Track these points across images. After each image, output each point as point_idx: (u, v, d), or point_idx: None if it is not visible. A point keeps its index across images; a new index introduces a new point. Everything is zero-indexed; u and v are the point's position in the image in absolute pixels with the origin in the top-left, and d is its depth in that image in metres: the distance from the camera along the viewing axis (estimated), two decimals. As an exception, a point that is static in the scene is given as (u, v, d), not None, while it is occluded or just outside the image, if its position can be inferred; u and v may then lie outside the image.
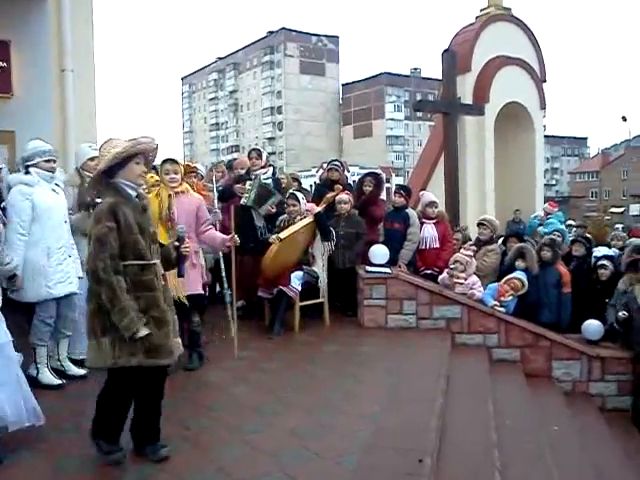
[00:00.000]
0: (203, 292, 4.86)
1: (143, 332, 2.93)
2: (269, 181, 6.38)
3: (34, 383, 4.05)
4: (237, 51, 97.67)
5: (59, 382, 4.16)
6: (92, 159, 4.52)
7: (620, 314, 5.85)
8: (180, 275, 3.52)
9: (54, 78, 7.91)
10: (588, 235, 9.71)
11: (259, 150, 6.65)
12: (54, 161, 4.29)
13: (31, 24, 7.29)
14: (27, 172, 4.15)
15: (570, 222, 12.41)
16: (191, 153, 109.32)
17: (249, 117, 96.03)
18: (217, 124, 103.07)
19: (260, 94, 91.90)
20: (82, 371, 4.30)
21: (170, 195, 4.60)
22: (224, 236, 4.78)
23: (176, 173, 4.71)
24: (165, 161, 4.65)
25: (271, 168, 6.67)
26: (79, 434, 3.38)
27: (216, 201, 6.08)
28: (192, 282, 4.56)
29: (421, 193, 7.73)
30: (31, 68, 7.32)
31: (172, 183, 4.64)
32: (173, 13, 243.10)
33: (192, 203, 4.73)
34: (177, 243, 3.36)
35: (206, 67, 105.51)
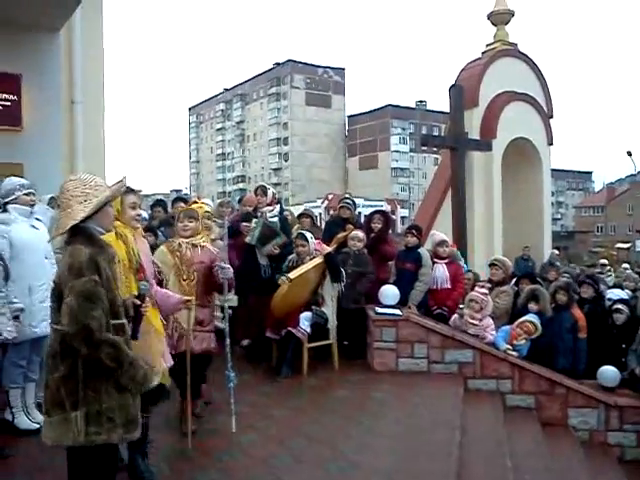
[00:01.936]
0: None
1: (156, 380, 2.74)
2: (275, 219, 6.29)
3: (10, 428, 3.97)
4: (244, 82, 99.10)
5: (37, 426, 3.87)
6: (28, 194, 4.21)
7: None
8: (134, 338, 2.92)
9: (63, 110, 7.94)
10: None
11: (264, 187, 6.56)
12: (33, 194, 4.21)
13: (42, 57, 7.34)
14: (4, 210, 4.04)
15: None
16: (197, 182, 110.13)
17: (255, 148, 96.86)
18: (224, 154, 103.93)
19: (267, 125, 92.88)
20: None
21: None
22: (179, 297, 3.72)
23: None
24: (130, 191, 3.62)
25: (278, 206, 6.60)
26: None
27: (226, 239, 6.01)
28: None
29: (432, 233, 7.64)
30: (41, 101, 7.35)
31: (135, 223, 3.72)
32: (182, 44, 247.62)
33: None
34: (137, 301, 2.96)
35: (213, 98, 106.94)
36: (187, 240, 4.20)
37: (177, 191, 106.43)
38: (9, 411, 4.04)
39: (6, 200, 4.09)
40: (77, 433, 2.50)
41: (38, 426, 3.82)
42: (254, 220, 6.20)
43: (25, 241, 3.99)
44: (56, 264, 3.99)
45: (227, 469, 3.59)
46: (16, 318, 3.79)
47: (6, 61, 6.94)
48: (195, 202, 5.36)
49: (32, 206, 4.19)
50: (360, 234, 6.51)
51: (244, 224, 6.27)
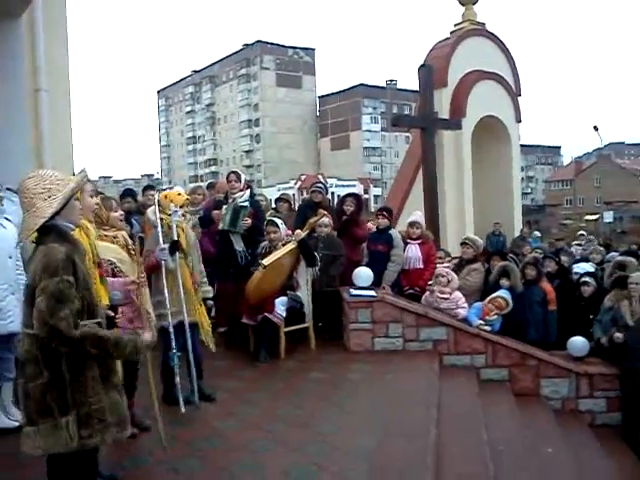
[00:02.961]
0: None
1: (147, 338, 2.72)
2: (246, 204, 6.28)
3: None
4: (213, 64, 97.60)
5: (16, 424, 3.80)
6: None
7: (617, 335, 5.83)
8: None
9: (28, 99, 7.75)
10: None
11: (238, 173, 6.50)
12: None
13: (3, 45, 7.13)
14: None
15: None
16: (169, 166, 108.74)
17: (226, 130, 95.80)
18: (194, 137, 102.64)
19: (237, 107, 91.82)
20: None
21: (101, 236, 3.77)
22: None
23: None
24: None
25: (248, 190, 6.57)
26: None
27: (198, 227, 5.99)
28: None
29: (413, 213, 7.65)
30: (4, 91, 7.14)
31: (121, 223, 3.97)
32: (148, 26, 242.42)
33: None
34: (110, 312, 2.94)
35: (182, 80, 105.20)
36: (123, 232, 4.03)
37: (149, 176, 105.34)
38: (-16, 411, 4.00)
39: None
40: (70, 439, 2.44)
41: (17, 424, 3.76)
42: (224, 207, 6.17)
43: None
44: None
45: (207, 457, 3.62)
46: None
47: (-37, 50, 6.74)
48: (170, 189, 5.31)
49: None
50: (326, 220, 6.52)
51: (216, 212, 6.24)
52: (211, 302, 4.90)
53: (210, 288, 4.99)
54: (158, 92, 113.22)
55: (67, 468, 2.57)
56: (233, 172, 6.52)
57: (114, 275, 3.64)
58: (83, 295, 2.51)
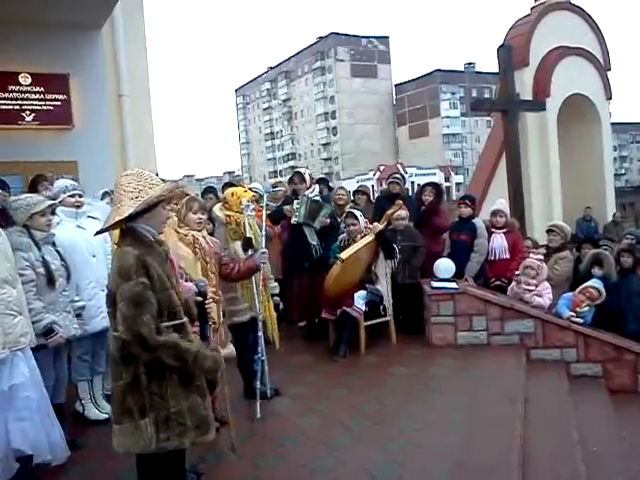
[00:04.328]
0: None
1: (223, 365, 2.69)
2: (318, 198, 6.26)
3: (81, 419, 4.18)
4: (288, 59, 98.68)
5: (105, 416, 4.07)
6: (72, 195, 4.30)
7: None
8: (205, 337, 3.02)
9: (112, 105, 8.15)
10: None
11: (300, 173, 6.41)
12: (80, 195, 4.31)
13: (87, 55, 7.53)
14: (53, 212, 4.07)
15: None
16: (249, 163, 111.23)
17: (303, 124, 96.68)
18: (272, 133, 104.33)
19: (313, 100, 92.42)
20: None
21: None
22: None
23: (204, 213, 4.01)
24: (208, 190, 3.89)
25: (317, 186, 6.55)
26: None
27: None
28: None
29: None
30: (89, 97, 7.55)
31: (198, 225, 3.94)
32: (224, 26, 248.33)
33: (218, 248, 4.10)
34: (199, 298, 2.95)
35: (258, 77, 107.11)
36: (199, 232, 3.97)
37: (230, 173, 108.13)
38: (79, 403, 4.24)
39: (56, 202, 4.20)
40: (148, 441, 2.48)
41: (107, 416, 3.99)
42: (295, 201, 6.17)
43: (70, 242, 4.07)
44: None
45: (287, 453, 3.63)
46: (78, 316, 3.94)
47: (54, 62, 7.16)
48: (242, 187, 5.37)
49: (78, 207, 4.27)
50: (403, 213, 6.38)
51: (287, 207, 6.25)
52: (277, 298, 4.92)
53: (276, 284, 5.01)
54: (236, 90, 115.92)
55: (155, 465, 2.62)
56: (296, 173, 6.50)
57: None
58: (161, 297, 2.52)
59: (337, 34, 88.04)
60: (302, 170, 6.56)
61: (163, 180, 2.78)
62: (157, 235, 2.69)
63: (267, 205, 5.95)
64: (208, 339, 3.03)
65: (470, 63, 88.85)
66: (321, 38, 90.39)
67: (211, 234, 4.52)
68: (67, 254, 3.99)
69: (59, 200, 4.19)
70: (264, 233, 4.39)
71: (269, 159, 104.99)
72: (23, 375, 3.23)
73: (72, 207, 4.25)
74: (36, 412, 3.26)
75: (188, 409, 2.55)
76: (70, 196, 4.25)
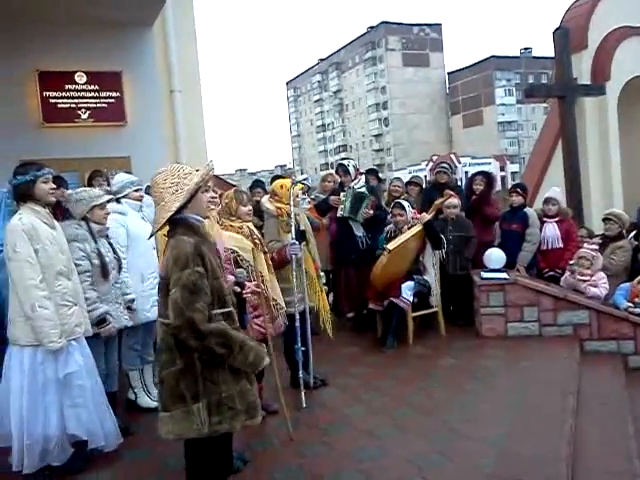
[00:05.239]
0: None
1: (267, 359, 2.70)
2: (363, 189, 6.23)
3: (133, 406, 4.33)
4: (338, 50, 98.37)
5: (156, 404, 4.17)
6: (137, 190, 4.47)
7: None
8: (243, 326, 3.04)
9: (163, 100, 8.32)
10: None
11: (344, 166, 6.43)
12: (141, 189, 4.47)
13: (139, 52, 7.71)
14: (118, 202, 4.29)
15: None
16: (300, 156, 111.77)
17: (354, 116, 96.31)
18: (323, 125, 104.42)
19: (364, 91, 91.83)
20: None
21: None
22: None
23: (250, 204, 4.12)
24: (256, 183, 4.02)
25: (363, 176, 6.55)
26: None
27: None
28: None
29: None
30: (141, 94, 7.73)
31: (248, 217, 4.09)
32: (273, 20, 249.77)
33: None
34: (238, 288, 2.96)
35: (309, 69, 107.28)
36: (248, 224, 4.08)
37: (281, 166, 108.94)
38: (131, 391, 4.39)
39: (118, 197, 4.38)
40: (201, 424, 2.52)
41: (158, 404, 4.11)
42: (342, 194, 6.17)
43: (137, 231, 4.23)
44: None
45: (332, 442, 3.66)
46: (129, 308, 4.08)
47: (107, 60, 7.36)
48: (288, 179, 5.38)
49: (140, 200, 4.47)
50: (455, 201, 6.30)
51: (333, 197, 6.26)
52: (325, 287, 4.94)
53: (322, 274, 5.03)
54: (287, 83, 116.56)
55: (204, 451, 2.69)
56: (340, 165, 6.50)
57: (237, 263, 3.77)
58: (213, 285, 2.56)
59: (388, 23, 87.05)
60: (345, 162, 6.55)
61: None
62: (204, 222, 2.75)
63: (316, 197, 5.99)
64: (246, 329, 3.07)
65: (527, 48, 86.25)
66: (372, 28, 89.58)
67: (260, 227, 4.61)
68: (133, 244, 4.20)
69: (124, 194, 4.37)
70: (292, 223, 4.32)
71: (320, 151, 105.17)
72: (77, 364, 3.38)
73: (137, 200, 4.43)
74: (90, 400, 3.41)
75: (238, 394, 2.60)
76: (135, 190, 4.43)
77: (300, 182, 4.51)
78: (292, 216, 4.30)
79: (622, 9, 11.57)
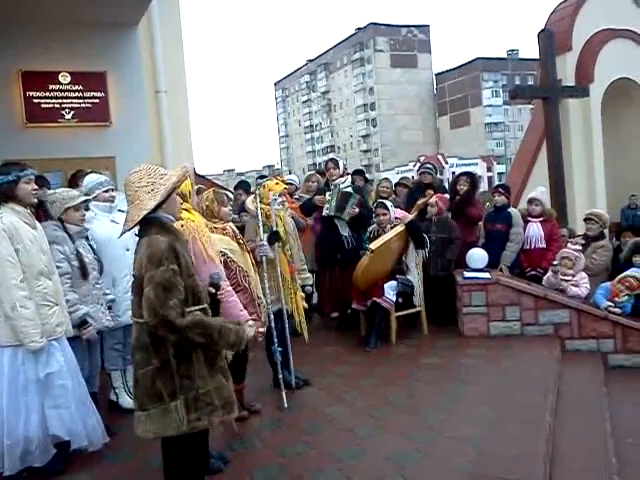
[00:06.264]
0: None
1: (251, 331, 2.75)
2: (349, 189, 6.26)
3: (115, 407, 4.30)
4: (327, 51, 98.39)
5: None
6: (107, 190, 4.37)
7: None
8: None
9: (149, 101, 8.28)
10: None
11: (336, 160, 6.56)
12: (112, 189, 4.40)
13: (124, 52, 7.64)
14: (87, 208, 4.15)
15: None
16: (288, 156, 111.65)
17: (342, 116, 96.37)
18: (311, 126, 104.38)
19: (352, 92, 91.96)
20: None
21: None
22: (246, 313, 3.44)
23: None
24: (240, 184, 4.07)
25: (349, 176, 6.60)
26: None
27: None
28: None
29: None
30: (126, 94, 7.67)
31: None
32: (261, 20, 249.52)
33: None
34: (212, 289, 2.94)
35: (297, 70, 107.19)
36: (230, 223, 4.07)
37: (269, 166, 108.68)
38: (113, 392, 4.37)
39: (88, 198, 4.28)
40: (180, 422, 2.54)
41: None
42: (327, 192, 6.19)
43: (105, 236, 4.15)
44: None
45: (314, 441, 3.66)
46: (109, 308, 4.06)
47: (91, 60, 7.30)
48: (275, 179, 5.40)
49: (112, 201, 4.36)
50: (433, 200, 6.33)
51: (318, 197, 6.28)
52: (309, 288, 4.93)
53: (309, 275, 5.04)
54: (275, 84, 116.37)
55: (181, 449, 2.69)
56: (331, 159, 6.56)
57: (226, 265, 3.76)
58: (187, 282, 2.58)
59: (376, 24, 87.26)
60: (337, 157, 6.66)
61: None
62: (176, 223, 2.79)
63: (300, 197, 5.99)
64: None
65: (513, 50, 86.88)
66: (360, 29, 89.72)
67: (242, 227, 4.61)
68: (103, 248, 4.10)
69: (94, 195, 4.28)
70: (260, 224, 4.31)
71: (308, 152, 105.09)
72: (59, 364, 3.36)
73: (107, 202, 4.35)
74: (72, 400, 3.39)
75: (214, 389, 2.63)
76: (104, 191, 4.35)
77: (287, 182, 4.52)
78: (258, 216, 4.29)
79: (606, 12, 11.71)
